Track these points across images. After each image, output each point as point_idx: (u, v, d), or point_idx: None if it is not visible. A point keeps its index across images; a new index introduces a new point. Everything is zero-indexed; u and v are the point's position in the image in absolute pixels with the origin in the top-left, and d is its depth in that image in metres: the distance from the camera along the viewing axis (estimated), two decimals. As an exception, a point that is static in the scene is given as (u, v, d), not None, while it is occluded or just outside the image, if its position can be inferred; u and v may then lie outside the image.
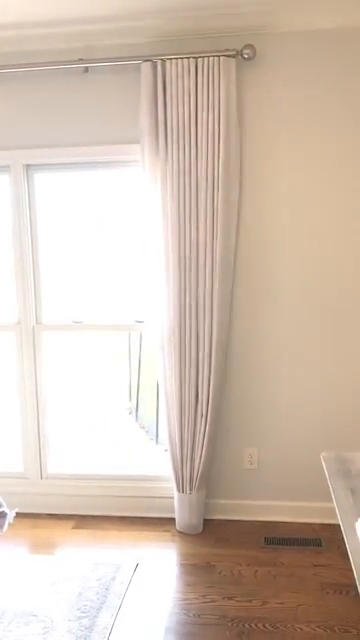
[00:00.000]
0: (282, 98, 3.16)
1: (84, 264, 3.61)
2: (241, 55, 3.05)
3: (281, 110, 3.17)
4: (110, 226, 3.53)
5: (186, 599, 2.77)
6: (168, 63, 3.06)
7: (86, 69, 3.22)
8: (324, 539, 3.22)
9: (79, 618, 2.60)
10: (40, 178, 3.52)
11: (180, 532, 3.39)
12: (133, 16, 3.07)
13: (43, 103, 3.36)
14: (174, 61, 3.05)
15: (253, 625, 2.55)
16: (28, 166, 3.47)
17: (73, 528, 3.47)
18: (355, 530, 1.67)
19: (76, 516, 3.58)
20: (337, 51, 3.09)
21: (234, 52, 3.03)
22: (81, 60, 3.19)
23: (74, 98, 3.33)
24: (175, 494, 3.40)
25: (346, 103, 3.13)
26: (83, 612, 2.65)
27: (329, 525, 3.27)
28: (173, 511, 3.44)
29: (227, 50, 3.03)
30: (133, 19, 3.09)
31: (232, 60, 3.04)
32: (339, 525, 1.75)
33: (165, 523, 3.47)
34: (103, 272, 3.60)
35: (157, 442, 4.24)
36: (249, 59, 3.07)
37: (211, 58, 3.02)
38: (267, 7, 3.00)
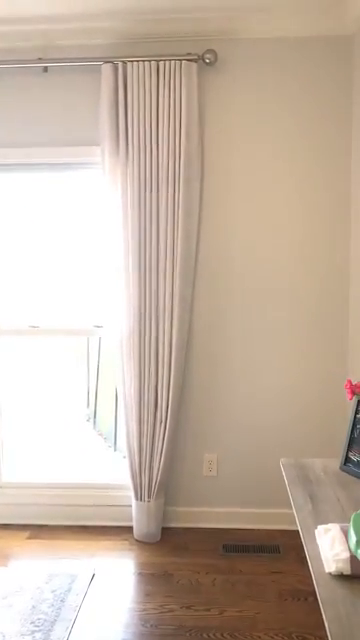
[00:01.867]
0: (242, 102, 3.18)
1: (42, 267, 3.53)
2: (203, 59, 3.05)
3: (241, 114, 3.19)
4: (69, 229, 3.47)
5: (144, 609, 2.72)
6: (129, 65, 3.03)
7: (45, 69, 3.16)
8: (282, 545, 3.22)
9: (32, 632, 2.52)
10: (-4, 178, 3.43)
11: (138, 541, 3.33)
12: (95, 17, 3.03)
13: None
14: (135, 63, 3.02)
15: (211, 635, 2.52)
16: (-16, 166, 3.38)
17: (28, 538, 3.37)
18: (314, 536, 1.66)
19: (31, 526, 3.48)
20: (296, 59, 3.13)
21: (196, 56, 3.03)
22: (40, 59, 3.14)
23: (32, 98, 3.26)
24: (133, 502, 3.34)
25: (304, 111, 3.16)
26: (37, 626, 2.56)
27: (287, 531, 3.28)
28: (131, 519, 3.38)
29: (189, 54, 3.03)
30: (95, 20, 3.06)
31: (194, 64, 3.03)
32: (297, 531, 1.74)
33: (123, 532, 3.41)
34: (61, 276, 3.52)
35: (115, 449, 4.17)
36: (210, 64, 3.07)
37: (173, 61, 3.01)
38: (229, 13, 3.02)
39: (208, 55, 3.04)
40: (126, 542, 3.33)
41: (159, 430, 3.26)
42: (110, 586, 2.91)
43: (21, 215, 3.48)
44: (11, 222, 3.48)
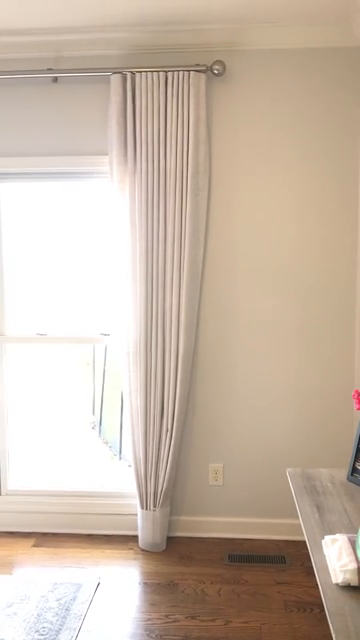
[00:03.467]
0: (250, 113, 3.19)
1: (49, 275, 3.55)
2: (211, 70, 3.07)
3: (249, 124, 3.20)
4: (76, 237, 3.49)
5: (149, 619, 2.71)
6: (138, 75, 3.05)
7: (55, 79, 3.19)
8: (288, 556, 3.20)
9: (37, 641, 2.51)
10: (5, 188, 3.46)
11: (143, 550, 3.32)
12: (104, 28, 3.07)
13: (10, 112, 3.31)
14: (144, 74, 3.04)
15: (216, 645, 2.51)
16: (-7, 175, 3.41)
17: (33, 546, 3.37)
18: (321, 547, 1.65)
19: (36, 534, 3.49)
20: (305, 71, 3.14)
21: (204, 67, 3.05)
22: (50, 70, 3.17)
23: (42, 108, 3.29)
24: (138, 511, 3.33)
25: (312, 121, 3.17)
26: (41, 634, 2.56)
27: (293, 542, 3.26)
28: (136, 528, 3.38)
29: (197, 65, 3.05)
30: (104, 31, 3.09)
31: (202, 75, 3.05)
32: (303, 542, 1.75)
33: (128, 541, 3.40)
34: (69, 284, 3.54)
35: (120, 457, 4.17)
36: (219, 75, 3.09)
37: (181, 72, 3.03)
38: (237, 25, 3.04)
39: (217, 66, 3.06)
40: (131, 551, 3.32)
41: (165, 439, 3.26)
42: (115, 595, 2.91)
43: (29, 224, 3.51)
44: (19, 231, 3.50)
